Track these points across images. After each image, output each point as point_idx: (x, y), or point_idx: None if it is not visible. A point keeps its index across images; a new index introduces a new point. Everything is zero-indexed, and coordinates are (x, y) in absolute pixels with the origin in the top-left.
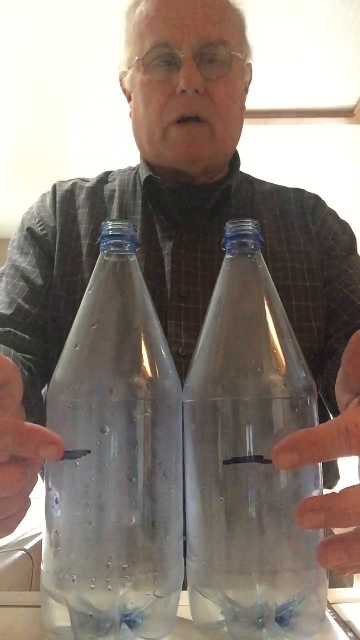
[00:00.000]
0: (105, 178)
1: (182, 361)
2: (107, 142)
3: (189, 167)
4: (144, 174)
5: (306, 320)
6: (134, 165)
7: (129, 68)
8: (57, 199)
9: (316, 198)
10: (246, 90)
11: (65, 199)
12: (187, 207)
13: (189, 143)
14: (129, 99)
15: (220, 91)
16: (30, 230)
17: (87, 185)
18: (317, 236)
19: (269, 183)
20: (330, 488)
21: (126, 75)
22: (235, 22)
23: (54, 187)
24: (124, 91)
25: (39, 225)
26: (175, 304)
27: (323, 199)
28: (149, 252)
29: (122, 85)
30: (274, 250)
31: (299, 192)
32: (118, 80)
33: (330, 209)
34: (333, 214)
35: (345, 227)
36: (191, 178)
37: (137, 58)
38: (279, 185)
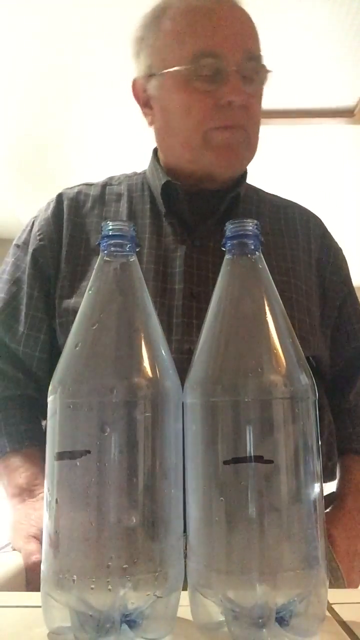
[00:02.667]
0: (109, 182)
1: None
2: (107, 142)
3: (225, 169)
4: (161, 179)
5: (304, 332)
6: (134, 167)
7: (152, 75)
8: (64, 209)
9: (324, 228)
10: None
11: (71, 208)
12: (200, 212)
13: (230, 145)
14: (145, 105)
15: (255, 104)
16: (26, 244)
17: (92, 192)
18: (318, 264)
19: (272, 195)
20: (331, 480)
21: (149, 80)
22: (260, 41)
23: (59, 196)
24: (138, 97)
25: (38, 235)
26: (187, 303)
27: (322, 210)
28: (158, 253)
29: (138, 91)
30: (280, 265)
31: (304, 213)
32: (121, 81)
33: (336, 242)
34: (340, 251)
35: (344, 259)
36: (216, 183)
37: (177, 67)
38: (282, 199)
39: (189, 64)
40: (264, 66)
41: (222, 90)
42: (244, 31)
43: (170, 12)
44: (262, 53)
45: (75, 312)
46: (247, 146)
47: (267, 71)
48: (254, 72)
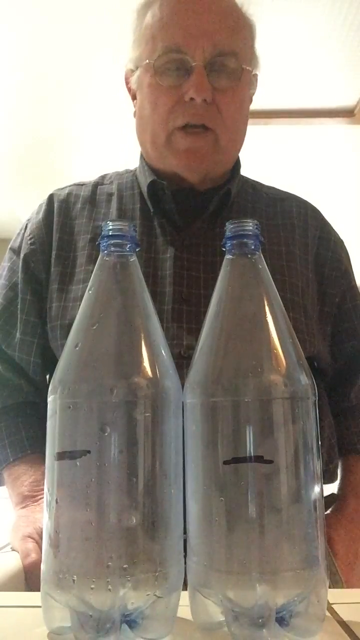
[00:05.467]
0: (101, 181)
1: (184, 362)
2: (107, 142)
3: (190, 173)
4: (147, 177)
5: (300, 332)
6: (133, 166)
7: (137, 67)
8: (55, 210)
9: (323, 220)
10: (250, 100)
11: (61, 210)
12: (188, 211)
13: (193, 151)
14: (134, 97)
15: (228, 102)
16: (19, 248)
17: (83, 193)
18: (317, 259)
19: (269, 188)
20: (331, 482)
21: (133, 73)
22: (246, 33)
23: (50, 198)
24: (129, 89)
25: (29, 239)
26: (177, 306)
27: (322, 211)
28: (148, 255)
29: (127, 83)
30: (274, 264)
31: (302, 205)
32: (120, 79)
33: (336, 234)
34: (340, 243)
35: (345, 251)
36: (191, 184)
37: (147, 60)
38: (280, 192)
39: (157, 58)
40: (236, 61)
41: (186, 86)
42: (216, 25)
43: (155, 5)
44: (241, 48)
45: (61, 317)
46: (215, 150)
47: (242, 67)
48: (225, 67)
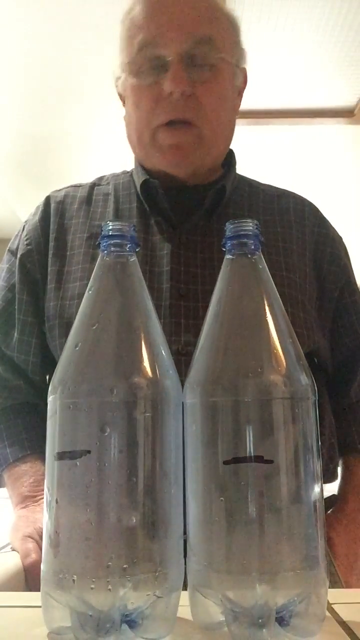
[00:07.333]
0: (98, 182)
1: (182, 359)
2: (107, 143)
3: (176, 170)
4: (140, 177)
5: (299, 327)
6: (131, 167)
7: (122, 72)
8: (51, 212)
9: (320, 217)
10: (240, 94)
11: (58, 211)
12: (184, 208)
13: (177, 146)
14: (124, 102)
15: (208, 94)
16: (16, 250)
17: (80, 194)
18: (315, 255)
19: (266, 185)
20: (332, 481)
21: (119, 79)
22: (224, 24)
23: (47, 200)
24: (119, 95)
25: (25, 239)
26: (175, 302)
27: (321, 210)
28: (146, 253)
29: (117, 88)
30: (272, 259)
31: (299, 202)
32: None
33: (334, 230)
34: (339, 239)
35: (343, 247)
36: (181, 180)
37: (126, 61)
38: (277, 189)
39: (134, 57)
40: (213, 49)
41: (164, 81)
42: (189, 16)
43: (134, 10)
44: (216, 35)
45: (59, 316)
46: (199, 144)
47: (221, 56)
48: (202, 58)
